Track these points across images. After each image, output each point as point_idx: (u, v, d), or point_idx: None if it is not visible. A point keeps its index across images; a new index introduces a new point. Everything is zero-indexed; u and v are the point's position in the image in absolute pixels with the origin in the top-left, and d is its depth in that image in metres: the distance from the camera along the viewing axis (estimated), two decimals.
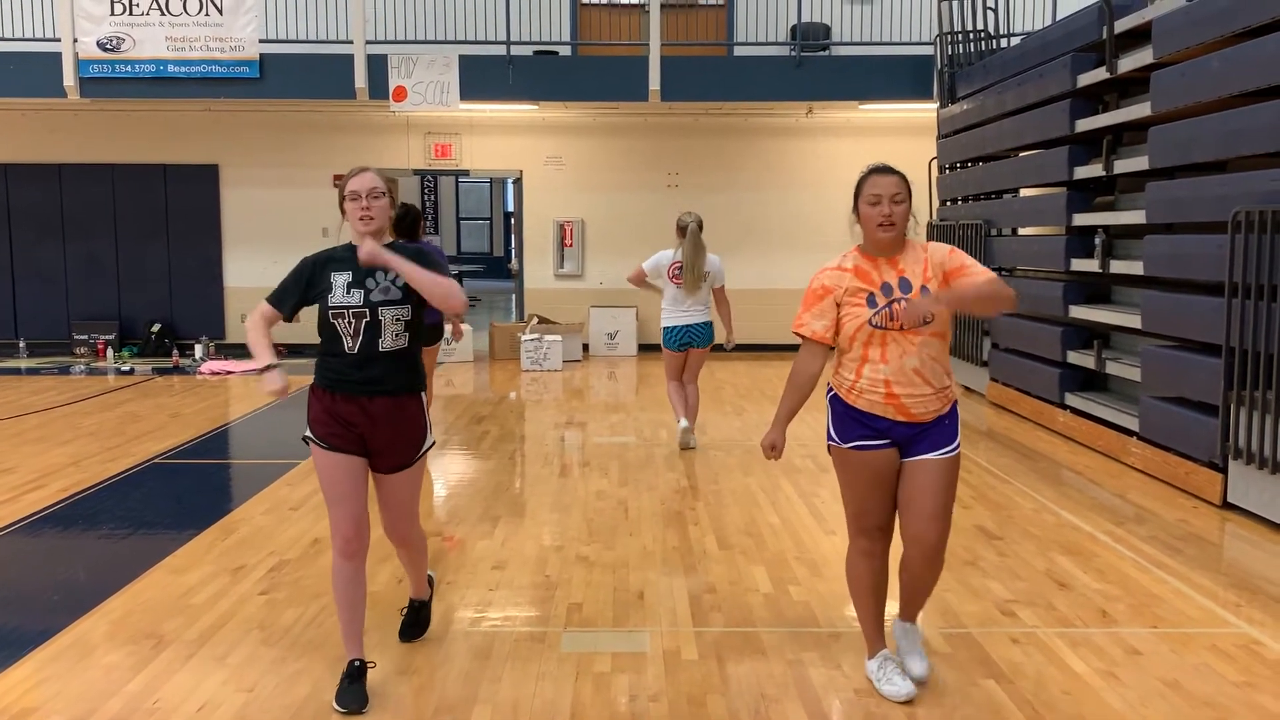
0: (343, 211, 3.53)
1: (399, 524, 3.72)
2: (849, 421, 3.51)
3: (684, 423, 7.49)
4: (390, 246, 3.52)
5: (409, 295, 3.49)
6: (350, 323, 3.45)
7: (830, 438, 3.58)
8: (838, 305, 3.46)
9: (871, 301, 3.39)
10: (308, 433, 3.53)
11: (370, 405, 3.48)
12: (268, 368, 3.52)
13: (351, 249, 3.54)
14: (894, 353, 3.38)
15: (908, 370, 3.38)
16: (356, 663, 3.54)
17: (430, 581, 4.09)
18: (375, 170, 3.55)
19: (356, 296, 3.45)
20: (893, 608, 3.79)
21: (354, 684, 3.50)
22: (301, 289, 3.54)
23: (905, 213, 3.39)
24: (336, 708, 3.45)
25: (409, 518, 3.73)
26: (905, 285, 3.39)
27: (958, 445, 3.49)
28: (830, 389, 3.61)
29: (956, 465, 3.49)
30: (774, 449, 3.61)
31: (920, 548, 3.48)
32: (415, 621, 4.07)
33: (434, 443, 3.77)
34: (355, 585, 3.55)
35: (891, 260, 3.43)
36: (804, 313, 3.53)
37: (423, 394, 3.64)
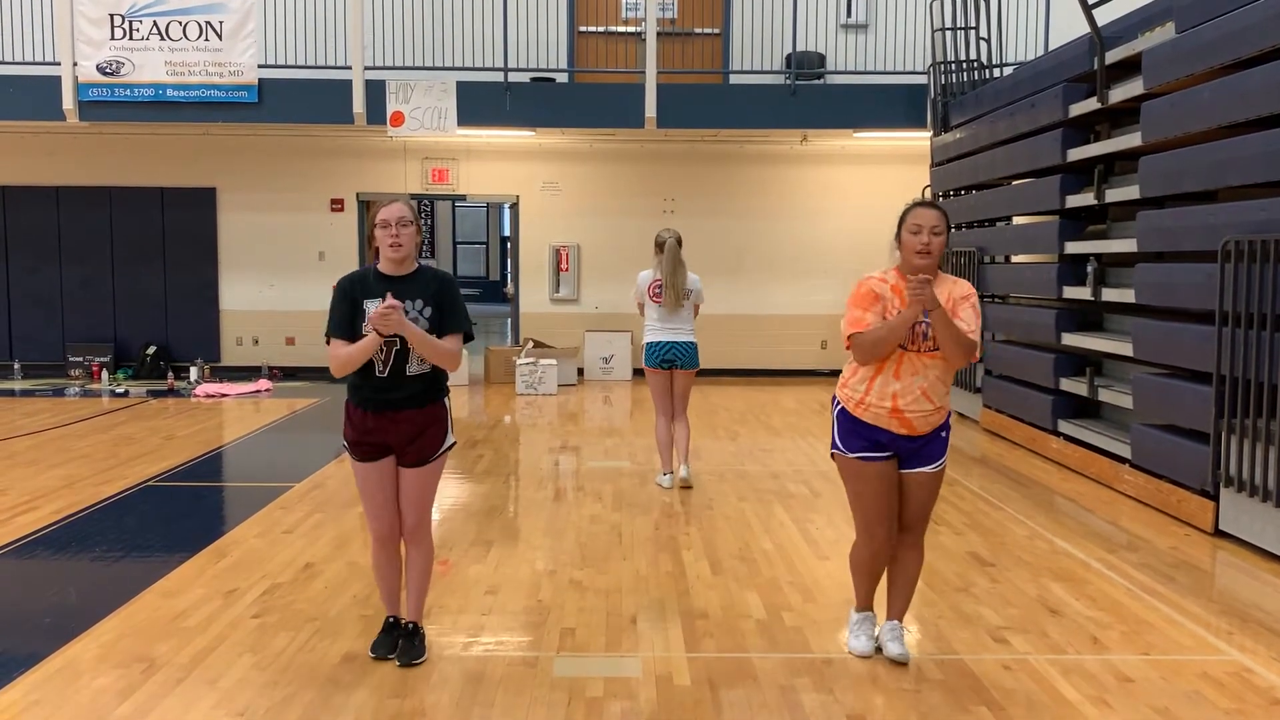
0: (371, 238, 3.84)
1: (412, 516, 3.99)
2: (853, 435, 3.91)
3: (667, 479, 7.13)
4: (416, 272, 3.87)
5: (433, 326, 3.81)
6: (381, 349, 3.75)
7: (835, 446, 3.98)
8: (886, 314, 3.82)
9: None
10: (344, 444, 3.94)
11: (399, 415, 3.84)
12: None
13: (379, 275, 3.84)
14: (906, 370, 3.79)
15: (915, 389, 3.79)
16: (391, 619, 4.10)
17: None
18: (406, 200, 3.88)
19: None
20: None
21: (388, 635, 4.06)
22: (350, 311, 3.80)
23: (942, 244, 3.79)
24: (370, 653, 4.04)
25: (423, 511, 4.01)
26: (927, 311, 3.74)
27: (944, 459, 3.97)
28: (836, 402, 3.98)
29: (942, 475, 4.01)
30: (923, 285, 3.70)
31: (908, 536, 4.03)
32: (411, 646, 4.05)
33: (454, 443, 4.06)
34: (390, 564, 4.06)
35: None
36: (862, 313, 3.82)
37: (446, 400, 3.99)
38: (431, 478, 3.98)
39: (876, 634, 4.15)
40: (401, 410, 3.82)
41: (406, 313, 3.74)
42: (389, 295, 3.68)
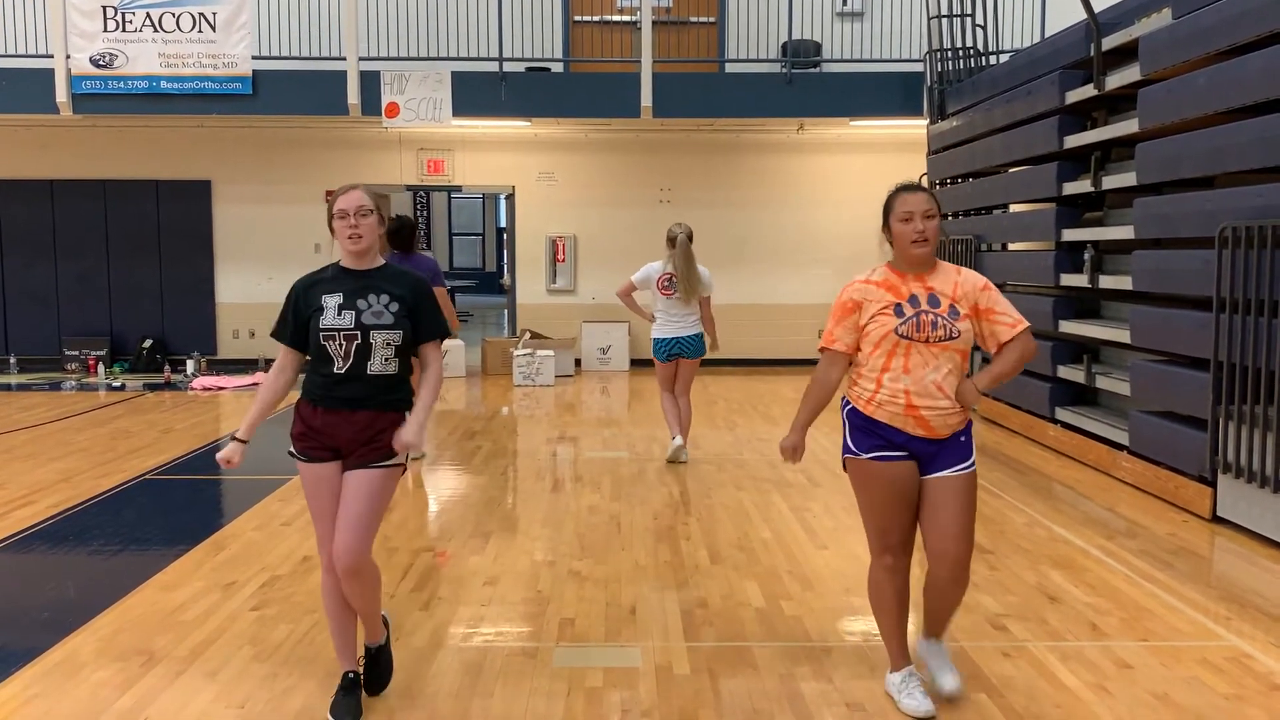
0: (332, 230, 3.50)
1: (348, 537, 3.39)
2: (866, 434, 3.53)
3: (678, 439, 7.49)
4: (382, 267, 3.54)
5: (401, 321, 3.45)
6: (341, 344, 3.40)
7: (847, 449, 3.59)
8: (863, 322, 3.51)
9: (899, 311, 3.44)
10: (291, 448, 3.54)
11: (353, 415, 3.45)
12: (231, 436, 3.57)
13: (340, 270, 3.52)
14: (916, 363, 3.42)
15: (927, 382, 3.42)
16: (351, 674, 3.54)
17: (385, 623, 3.75)
18: (365, 188, 3.53)
19: (348, 319, 3.41)
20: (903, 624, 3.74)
21: (348, 696, 3.50)
22: (294, 315, 3.49)
23: (936, 228, 3.46)
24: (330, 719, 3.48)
25: (361, 531, 3.41)
26: (934, 300, 3.46)
27: (973, 461, 3.54)
28: (846, 402, 3.63)
29: (974, 481, 3.54)
30: (794, 451, 3.66)
31: (945, 564, 3.50)
32: (375, 672, 3.68)
33: (423, 455, 3.70)
34: (343, 598, 3.53)
35: (920, 276, 3.51)
36: (834, 327, 3.57)
37: (407, 413, 3.53)
38: (375, 487, 3.43)
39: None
40: (357, 411, 3.42)
41: (369, 305, 3.41)
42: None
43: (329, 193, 12.94)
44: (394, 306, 3.45)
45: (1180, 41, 6.44)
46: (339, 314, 3.41)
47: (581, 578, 5.01)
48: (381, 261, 3.57)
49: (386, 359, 3.44)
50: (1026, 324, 3.53)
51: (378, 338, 3.41)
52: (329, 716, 3.48)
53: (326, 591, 3.54)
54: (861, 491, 3.59)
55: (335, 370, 3.41)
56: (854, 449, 3.56)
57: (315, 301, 3.45)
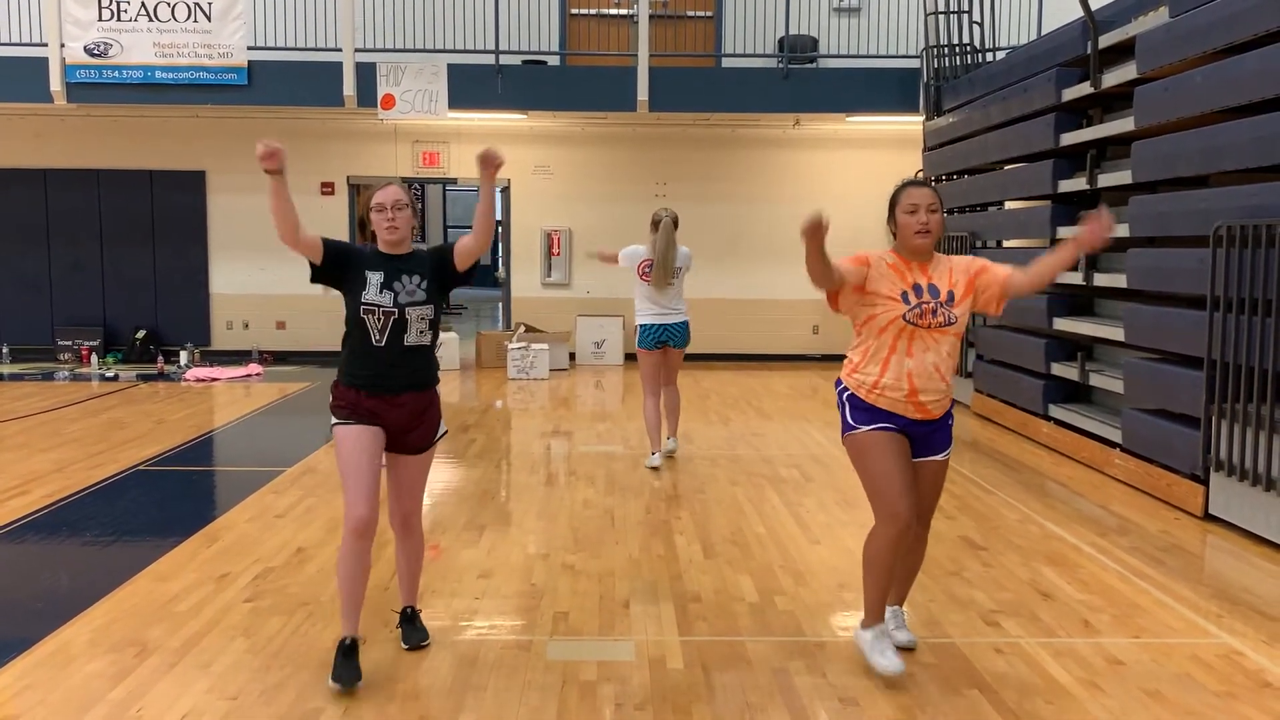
0: (364, 222, 3.88)
1: (406, 504, 3.96)
2: (866, 412, 3.77)
3: (655, 459, 7.19)
4: (413, 253, 3.86)
5: (431, 297, 3.81)
6: (379, 319, 3.73)
7: (847, 427, 3.82)
8: (864, 286, 3.71)
9: (905, 298, 3.68)
10: (334, 420, 3.79)
11: (397, 399, 3.78)
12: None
13: (377, 252, 3.82)
14: (918, 348, 3.68)
15: (929, 365, 3.69)
16: (348, 640, 3.73)
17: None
18: (400, 184, 3.87)
19: (387, 298, 3.74)
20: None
21: (348, 660, 3.70)
22: (340, 254, 3.78)
23: (940, 221, 3.71)
24: (332, 684, 3.65)
25: (416, 499, 3.99)
26: (934, 290, 3.71)
27: (951, 446, 3.90)
28: (845, 388, 3.85)
29: (949, 462, 3.93)
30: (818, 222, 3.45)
31: (914, 530, 3.87)
32: (414, 630, 4.08)
33: (446, 431, 4.04)
34: (361, 563, 3.76)
35: (923, 266, 3.76)
36: (844, 260, 3.73)
37: (437, 387, 3.96)
38: (426, 464, 3.97)
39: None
40: (400, 395, 3.78)
41: (404, 285, 3.74)
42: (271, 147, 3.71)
43: (324, 184, 12.91)
44: (424, 284, 3.80)
45: (1177, 40, 6.45)
46: (379, 292, 3.74)
47: (575, 571, 5.02)
48: (412, 249, 3.90)
49: (421, 331, 3.80)
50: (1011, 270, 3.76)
51: (412, 313, 3.76)
52: (330, 681, 3.66)
53: (347, 555, 3.73)
54: (863, 461, 3.79)
55: (374, 342, 3.74)
56: (853, 424, 3.79)
57: (359, 269, 3.76)
